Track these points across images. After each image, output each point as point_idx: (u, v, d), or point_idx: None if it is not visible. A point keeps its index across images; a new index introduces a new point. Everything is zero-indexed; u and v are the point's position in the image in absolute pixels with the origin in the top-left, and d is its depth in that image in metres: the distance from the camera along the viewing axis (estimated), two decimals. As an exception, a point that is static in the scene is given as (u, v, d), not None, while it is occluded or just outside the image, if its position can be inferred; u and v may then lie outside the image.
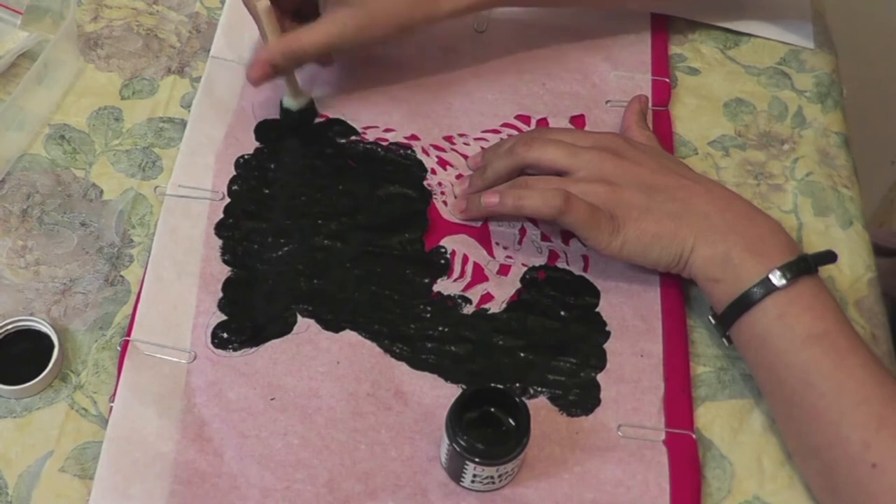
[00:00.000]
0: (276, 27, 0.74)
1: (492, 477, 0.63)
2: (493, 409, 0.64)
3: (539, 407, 0.68)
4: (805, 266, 0.66)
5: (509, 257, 0.74)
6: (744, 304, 0.66)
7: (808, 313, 0.64)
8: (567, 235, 0.76)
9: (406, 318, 0.71)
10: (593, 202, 0.69)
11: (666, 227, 0.69)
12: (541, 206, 0.70)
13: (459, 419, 0.62)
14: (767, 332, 0.65)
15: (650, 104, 0.82)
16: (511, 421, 0.63)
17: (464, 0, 0.76)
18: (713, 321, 0.70)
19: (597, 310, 0.73)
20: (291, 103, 0.78)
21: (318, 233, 0.75)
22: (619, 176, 0.71)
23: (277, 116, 0.80)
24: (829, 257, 0.68)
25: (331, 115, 0.81)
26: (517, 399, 0.62)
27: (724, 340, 0.70)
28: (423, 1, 0.75)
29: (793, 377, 0.63)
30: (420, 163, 0.79)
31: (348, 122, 0.80)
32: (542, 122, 0.81)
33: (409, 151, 0.79)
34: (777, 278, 0.65)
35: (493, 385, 0.64)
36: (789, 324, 0.64)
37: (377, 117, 0.81)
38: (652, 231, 0.69)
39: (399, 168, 0.78)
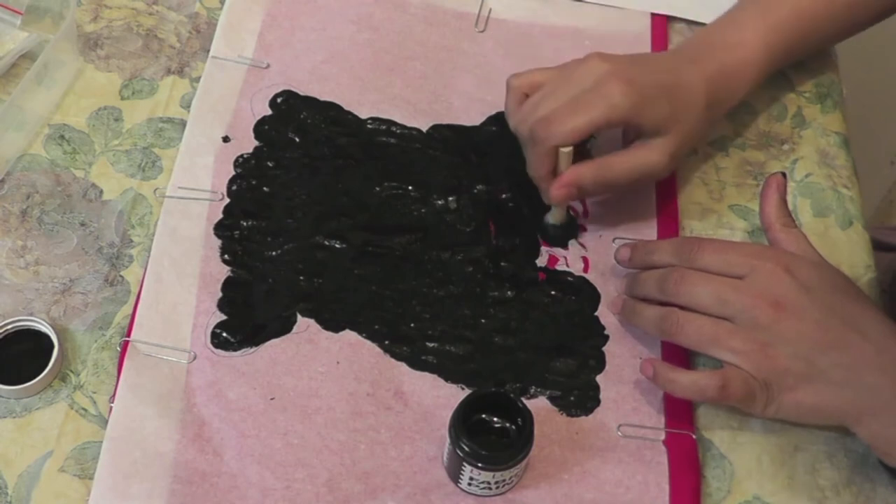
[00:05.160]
0: (570, 165, 0.72)
1: (488, 482, 0.63)
2: (496, 415, 0.64)
3: (539, 407, 0.68)
4: None
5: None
6: None
7: None
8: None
9: (406, 318, 0.71)
10: (745, 367, 0.64)
11: (826, 401, 0.64)
12: (694, 396, 0.66)
13: (463, 423, 0.62)
14: None
15: None
16: (513, 427, 0.63)
17: (741, 94, 0.77)
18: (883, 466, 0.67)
19: (595, 313, 0.73)
20: (555, 220, 0.76)
21: (317, 232, 0.75)
22: (777, 333, 0.64)
23: (272, 112, 0.80)
24: None
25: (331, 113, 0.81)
26: (522, 405, 0.62)
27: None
28: (714, 111, 0.76)
29: None
30: (420, 160, 0.79)
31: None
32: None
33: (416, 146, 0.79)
34: None
35: (499, 389, 0.64)
36: None
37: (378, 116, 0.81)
38: (810, 403, 0.64)
39: (400, 167, 0.78)
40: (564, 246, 0.76)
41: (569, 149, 0.71)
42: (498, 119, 0.82)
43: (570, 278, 0.74)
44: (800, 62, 0.87)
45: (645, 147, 0.73)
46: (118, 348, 0.69)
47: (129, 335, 0.69)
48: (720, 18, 0.79)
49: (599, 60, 0.72)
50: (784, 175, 0.70)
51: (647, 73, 0.73)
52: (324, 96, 0.82)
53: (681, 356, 0.70)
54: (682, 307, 0.67)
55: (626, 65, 0.73)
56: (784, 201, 0.70)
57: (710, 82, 0.74)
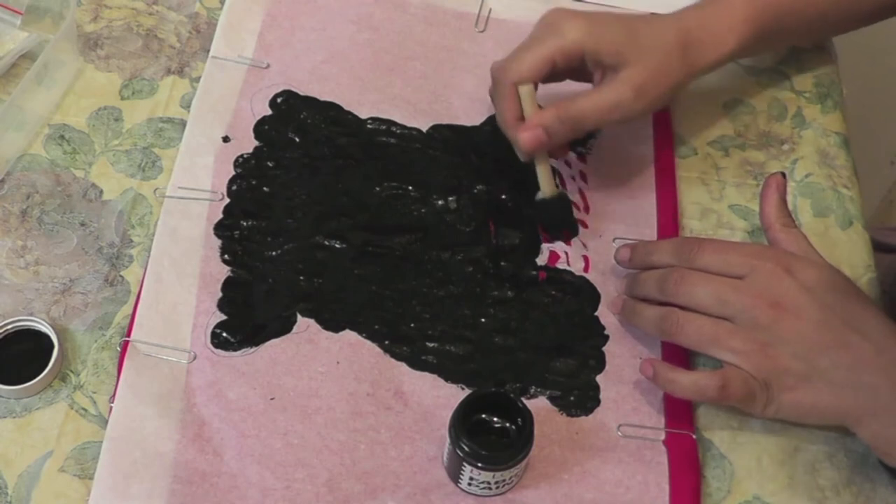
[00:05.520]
0: (536, 110, 0.72)
1: (488, 482, 0.63)
2: (496, 415, 0.64)
3: (539, 407, 0.68)
4: None
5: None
6: None
7: None
8: (567, 235, 0.76)
9: (406, 318, 0.71)
10: (745, 367, 0.64)
11: (826, 401, 0.64)
12: (694, 396, 0.66)
13: (463, 422, 0.62)
14: None
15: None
16: (513, 427, 0.63)
17: (724, 49, 0.75)
18: (883, 465, 0.67)
19: (595, 313, 0.73)
20: (546, 193, 0.75)
21: (317, 232, 0.75)
22: (776, 333, 0.64)
23: (272, 112, 0.80)
24: None
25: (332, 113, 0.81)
26: (522, 405, 0.62)
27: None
28: (688, 57, 0.73)
29: None
30: (420, 160, 0.79)
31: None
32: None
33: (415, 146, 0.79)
34: None
35: (499, 389, 0.64)
36: None
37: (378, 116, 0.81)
38: (809, 403, 0.64)
39: (400, 167, 0.78)
40: (560, 234, 0.75)
41: (527, 87, 0.71)
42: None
43: (569, 278, 0.74)
44: (800, 62, 0.87)
45: (609, 82, 0.72)
46: (118, 348, 0.69)
47: (129, 335, 0.69)
48: None
49: (558, 8, 0.74)
50: (784, 175, 0.70)
51: (609, 15, 0.75)
52: (324, 96, 0.82)
53: (681, 356, 0.70)
54: (681, 307, 0.67)
55: (587, 11, 0.75)
56: (784, 201, 0.69)
57: (684, 30, 0.74)
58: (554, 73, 0.73)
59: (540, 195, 0.75)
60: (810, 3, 0.79)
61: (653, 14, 0.78)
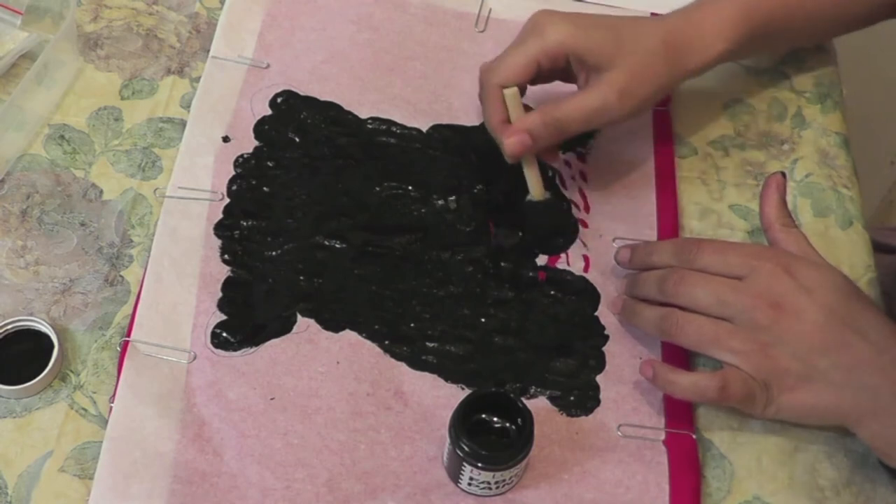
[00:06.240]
0: (522, 113, 0.72)
1: (488, 482, 0.63)
2: (496, 415, 0.64)
3: (539, 407, 0.68)
4: None
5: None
6: None
7: None
8: (561, 245, 0.76)
9: (406, 318, 0.71)
10: (745, 367, 0.64)
11: (825, 401, 0.64)
12: (694, 397, 0.66)
13: (463, 422, 0.62)
14: None
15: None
16: (513, 427, 0.63)
17: (712, 51, 0.74)
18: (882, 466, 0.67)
19: (595, 313, 0.73)
20: (535, 195, 0.75)
21: (317, 232, 0.75)
22: (776, 334, 0.64)
23: (272, 112, 0.80)
24: None
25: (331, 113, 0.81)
26: (522, 405, 0.62)
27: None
28: (674, 60, 0.73)
29: None
30: (420, 160, 0.79)
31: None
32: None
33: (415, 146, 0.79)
34: None
35: (499, 389, 0.64)
36: None
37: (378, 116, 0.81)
38: (809, 403, 0.64)
39: (400, 167, 0.78)
40: (550, 239, 0.75)
41: (512, 90, 0.71)
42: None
43: (569, 278, 0.74)
44: (800, 62, 0.87)
45: (593, 84, 0.72)
46: (118, 348, 0.69)
47: (129, 335, 0.69)
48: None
49: (543, 10, 0.74)
50: (784, 175, 0.70)
51: (592, 17, 0.74)
52: (324, 96, 0.82)
53: (681, 356, 0.70)
54: (681, 308, 0.67)
55: (570, 12, 0.74)
56: (784, 201, 0.69)
57: (669, 32, 0.73)
58: (539, 75, 0.73)
59: (529, 198, 0.75)
60: (801, 6, 0.78)
61: (639, 17, 0.77)
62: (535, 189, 0.74)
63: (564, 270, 0.74)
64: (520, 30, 0.75)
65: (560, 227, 0.76)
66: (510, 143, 0.71)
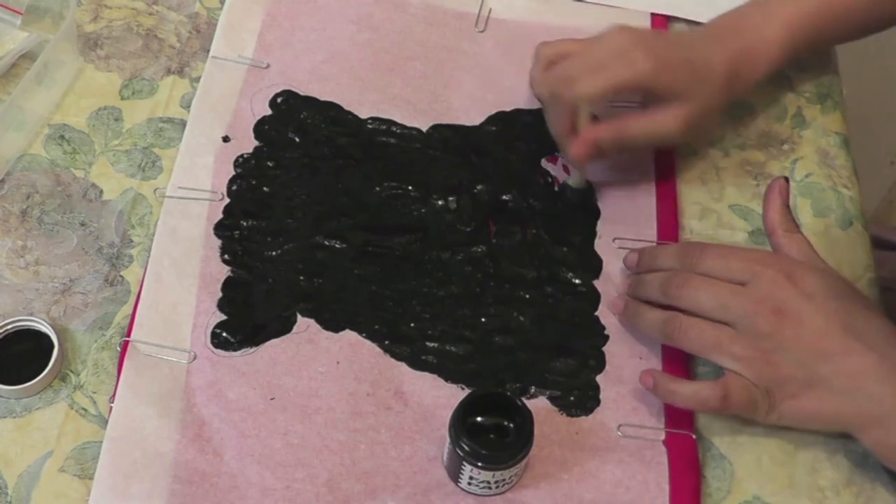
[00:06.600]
0: (591, 123, 0.74)
1: (488, 482, 0.63)
2: (496, 415, 0.64)
3: (539, 407, 0.68)
4: None
5: None
6: None
7: None
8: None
9: (406, 318, 0.71)
10: (746, 374, 0.64)
11: (828, 408, 0.64)
12: (696, 406, 0.66)
13: (463, 422, 0.62)
14: None
15: None
16: (513, 427, 0.63)
17: (759, 74, 0.77)
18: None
19: (596, 313, 0.73)
20: (575, 183, 0.78)
21: (317, 232, 0.75)
22: (778, 340, 0.63)
23: (272, 112, 0.80)
24: None
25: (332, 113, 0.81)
26: (521, 405, 0.62)
27: None
28: (734, 87, 0.75)
29: None
30: (420, 160, 0.79)
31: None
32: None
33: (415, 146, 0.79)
34: None
35: (499, 389, 0.64)
36: None
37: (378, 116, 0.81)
38: (811, 410, 0.64)
39: (400, 167, 0.78)
40: (581, 205, 0.78)
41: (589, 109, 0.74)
42: (498, 119, 0.82)
43: (569, 278, 0.74)
44: (800, 62, 0.87)
45: (662, 112, 0.74)
46: (118, 348, 0.69)
47: (129, 335, 0.69)
48: (748, 2, 0.79)
49: (625, 30, 0.75)
50: (787, 180, 0.70)
51: (669, 45, 0.76)
52: (324, 96, 0.82)
53: (681, 358, 0.70)
54: (683, 311, 0.67)
55: (649, 36, 0.77)
56: (787, 206, 0.69)
57: (731, 60, 0.75)
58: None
59: (569, 182, 0.78)
60: (850, 9, 0.80)
61: (706, 41, 0.77)
62: (578, 180, 0.78)
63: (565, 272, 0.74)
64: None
65: (590, 213, 0.78)
66: (578, 152, 0.74)
